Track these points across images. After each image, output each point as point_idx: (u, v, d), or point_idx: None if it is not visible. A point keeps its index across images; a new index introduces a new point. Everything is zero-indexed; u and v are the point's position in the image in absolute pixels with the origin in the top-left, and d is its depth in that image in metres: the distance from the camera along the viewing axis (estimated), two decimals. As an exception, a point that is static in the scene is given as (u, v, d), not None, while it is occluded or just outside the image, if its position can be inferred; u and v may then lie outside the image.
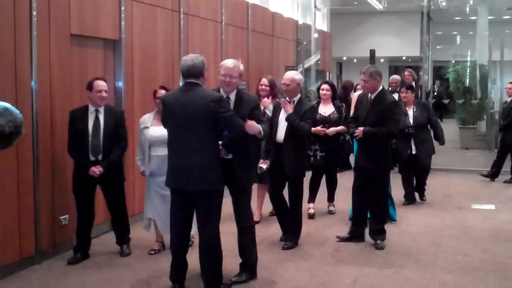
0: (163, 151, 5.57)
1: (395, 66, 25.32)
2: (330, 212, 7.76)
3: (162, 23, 7.78)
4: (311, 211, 7.42)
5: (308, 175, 7.18)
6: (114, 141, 5.74)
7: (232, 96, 5.02)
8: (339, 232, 6.59)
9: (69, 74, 6.00)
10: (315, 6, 14.33)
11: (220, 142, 4.84)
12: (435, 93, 21.86)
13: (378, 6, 18.45)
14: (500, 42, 14.62)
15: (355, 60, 23.42)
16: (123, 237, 6.01)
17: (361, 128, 6.10)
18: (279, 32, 12.33)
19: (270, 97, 6.99)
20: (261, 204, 7.24)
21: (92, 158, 5.65)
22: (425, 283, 5.22)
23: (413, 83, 10.15)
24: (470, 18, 20.75)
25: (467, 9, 19.94)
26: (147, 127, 5.81)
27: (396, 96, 10.06)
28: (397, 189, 8.25)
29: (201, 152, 4.62)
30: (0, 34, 5.22)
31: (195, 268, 4.99)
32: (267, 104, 6.87)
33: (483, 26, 18.62)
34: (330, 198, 7.85)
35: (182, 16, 8.25)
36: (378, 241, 6.24)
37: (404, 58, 23.66)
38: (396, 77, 10.75)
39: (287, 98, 6.13)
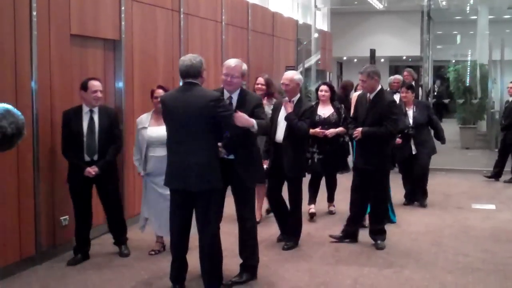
0: (161, 152, 5.56)
1: (396, 65, 25.29)
2: (331, 213, 7.76)
3: (162, 23, 7.78)
4: (312, 210, 7.41)
5: (308, 177, 7.17)
6: (109, 141, 5.71)
7: (235, 96, 5.00)
8: (339, 232, 6.58)
9: (69, 74, 6.00)
10: (315, 6, 14.31)
11: (219, 144, 4.83)
12: (435, 93, 21.84)
13: (379, 6, 18.43)
14: (501, 41, 14.61)
15: (355, 60, 23.43)
16: (120, 238, 5.99)
17: (359, 129, 6.09)
18: (279, 32, 12.33)
19: (266, 96, 6.98)
20: (261, 204, 7.23)
21: (87, 158, 5.62)
22: (425, 283, 5.22)
23: (413, 83, 10.13)
24: (470, 17, 20.74)
25: (468, 8, 19.93)
26: (145, 128, 5.79)
27: (397, 96, 10.07)
28: (397, 189, 8.26)
29: (200, 152, 4.62)
30: (0, 34, 5.22)
31: (196, 268, 4.98)
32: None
33: (484, 25, 18.61)
34: (330, 199, 7.85)
35: (182, 16, 8.24)
36: (379, 241, 6.23)
37: (404, 57, 23.65)
38: (398, 76, 10.72)
39: (286, 98, 6.14)
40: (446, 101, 21.50)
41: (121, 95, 6.94)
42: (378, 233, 6.29)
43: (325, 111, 7.21)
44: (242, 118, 4.69)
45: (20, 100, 5.37)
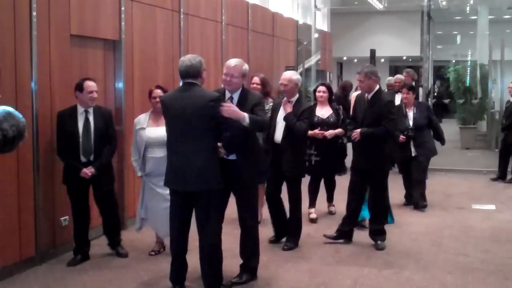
0: (160, 153, 5.56)
1: (396, 66, 25.30)
2: (331, 213, 7.75)
3: (162, 23, 7.78)
4: (313, 216, 7.38)
5: (307, 179, 7.16)
6: (104, 142, 5.70)
7: (236, 96, 4.99)
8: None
9: (69, 75, 5.99)
10: (315, 6, 14.30)
11: (219, 144, 4.82)
12: (435, 93, 21.85)
13: (379, 6, 18.44)
14: (501, 41, 14.61)
15: (355, 60, 23.42)
16: (115, 239, 5.95)
17: (357, 130, 6.08)
18: (279, 32, 12.33)
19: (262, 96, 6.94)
20: (261, 205, 7.22)
21: (83, 159, 5.59)
22: (425, 283, 5.22)
23: (413, 84, 10.11)
24: (470, 17, 20.74)
25: (468, 8, 19.93)
26: (143, 128, 5.76)
27: (399, 96, 10.05)
28: (398, 190, 8.25)
29: (200, 152, 4.62)
30: (0, 34, 5.22)
31: (196, 269, 4.98)
32: None
33: (484, 25, 18.61)
34: (330, 199, 7.84)
35: (182, 16, 8.24)
36: (379, 242, 6.23)
37: (404, 58, 23.65)
38: (399, 76, 10.72)
39: (285, 98, 6.13)
40: (446, 101, 21.52)
41: (121, 95, 6.93)
42: (378, 234, 6.29)
43: (323, 112, 7.16)
44: (230, 110, 4.62)
45: (20, 100, 5.37)
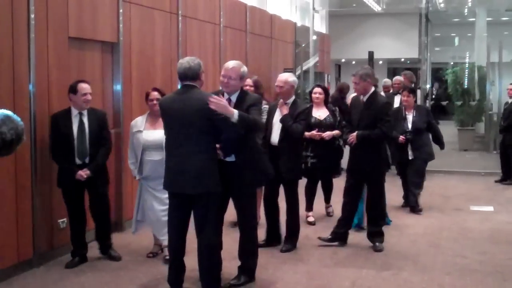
0: (157, 156, 5.56)
1: (394, 68, 25.33)
2: (328, 214, 7.73)
3: (160, 25, 7.79)
4: (311, 219, 7.37)
5: (304, 181, 7.15)
6: (99, 144, 5.67)
7: (234, 98, 4.97)
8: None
9: (67, 77, 5.98)
10: (314, 8, 14.32)
11: (217, 145, 4.82)
12: (434, 96, 21.88)
13: (377, 8, 18.44)
14: (499, 43, 14.66)
15: (353, 62, 23.42)
16: (107, 243, 5.89)
17: (354, 134, 6.08)
18: (277, 34, 12.34)
19: None
20: (259, 205, 7.21)
21: (78, 162, 5.57)
22: (423, 285, 5.22)
23: (412, 86, 10.12)
24: (468, 19, 20.77)
25: (466, 10, 19.96)
26: (140, 131, 5.75)
27: (398, 98, 10.06)
28: (396, 191, 8.26)
29: (198, 154, 4.61)
30: (-2, 37, 5.23)
31: (195, 271, 4.96)
32: None
33: (482, 27, 18.65)
34: (327, 200, 7.81)
35: (180, 18, 8.24)
36: (377, 243, 6.23)
37: (402, 60, 23.69)
38: (399, 78, 10.74)
39: (282, 100, 6.12)
40: (444, 103, 21.55)
41: (119, 98, 6.93)
42: (376, 235, 6.29)
43: (320, 113, 7.14)
44: (219, 104, 4.54)
45: (18, 103, 5.37)
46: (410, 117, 7.96)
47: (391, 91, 10.86)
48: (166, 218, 5.53)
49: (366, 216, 6.55)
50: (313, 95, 7.25)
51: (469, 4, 18.86)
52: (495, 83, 15.73)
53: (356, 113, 6.23)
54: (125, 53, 6.99)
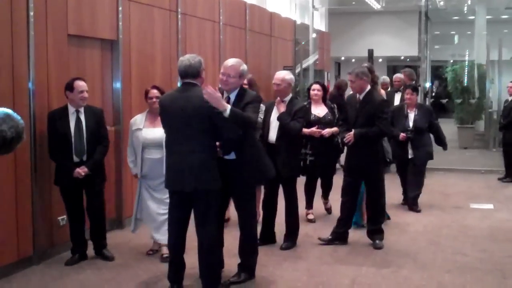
0: (156, 154, 5.56)
1: (394, 66, 25.32)
2: (328, 211, 7.69)
3: (159, 23, 7.78)
4: (311, 216, 7.36)
5: (303, 179, 7.15)
6: (97, 141, 5.66)
7: (233, 96, 4.95)
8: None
9: (67, 75, 5.97)
10: (313, 6, 14.31)
11: (217, 143, 4.81)
12: (433, 93, 21.89)
13: (376, 6, 18.46)
14: (498, 41, 14.66)
15: (353, 60, 23.42)
16: (101, 242, 5.86)
17: (351, 133, 6.07)
18: (277, 32, 12.33)
19: None
20: (259, 201, 7.20)
21: (76, 159, 5.55)
22: (423, 282, 5.22)
23: (413, 83, 10.11)
24: (468, 17, 20.79)
25: (465, 8, 19.98)
26: (140, 129, 5.73)
27: (398, 95, 10.05)
28: (395, 189, 8.26)
29: (198, 152, 4.60)
30: (-3, 34, 5.23)
31: (195, 268, 4.96)
32: None
33: (481, 25, 18.66)
34: (325, 196, 7.74)
35: (179, 16, 8.24)
36: (377, 241, 6.23)
37: (402, 57, 23.67)
38: (399, 75, 10.73)
39: (279, 98, 6.11)
40: (444, 101, 21.56)
41: (119, 95, 6.93)
42: (375, 233, 6.29)
43: (319, 110, 7.10)
44: (212, 95, 4.48)
45: (17, 100, 5.36)
46: (411, 115, 7.91)
47: (389, 88, 10.85)
48: (162, 218, 5.58)
49: (366, 214, 6.56)
50: (312, 92, 7.21)
51: (469, 2, 18.88)
52: (494, 81, 15.74)
53: (352, 111, 6.21)
54: (124, 51, 6.98)
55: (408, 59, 23.15)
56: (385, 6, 18.97)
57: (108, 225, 6.73)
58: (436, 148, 8.38)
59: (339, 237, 6.34)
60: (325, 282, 5.23)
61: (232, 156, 4.91)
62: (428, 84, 15.84)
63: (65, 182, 5.60)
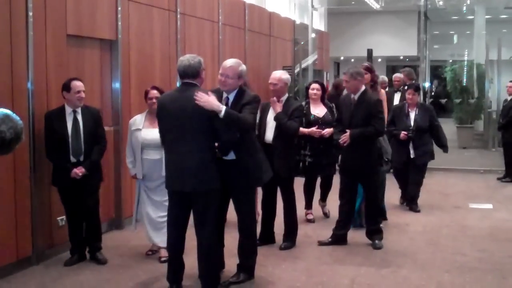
0: (155, 155, 5.55)
1: (393, 65, 25.34)
2: (325, 215, 7.55)
3: (158, 23, 7.77)
4: (310, 216, 7.33)
5: (302, 180, 7.14)
6: (94, 142, 5.65)
7: (232, 97, 4.94)
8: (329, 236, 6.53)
9: (66, 75, 5.96)
10: (312, 6, 14.32)
11: (216, 144, 4.80)
12: (432, 93, 21.90)
13: (375, 6, 18.47)
14: (497, 41, 14.67)
15: (352, 60, 23.41)
16: (96, 244, 5.81)
17: (347, 134, 6.05)
18: (276, 32, 12.33)
19: None
20: (257, 203, 7.20)
21: (73, 160, 5.53)
22: (422, 282, 5.22)
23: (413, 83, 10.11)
24: (467, 17, 20.80)
25: (464, 8, 19.98)
26: (139, 129, 5.72)
27: (398, 95, 10.05)
28: (395, 189, 8.25)
29: (197, 153, 4.60)
30: (-4, 34, 5.22)
31: (194, 269, 4.96)
32: None
33: (480, 25, 18.68)
34: (323, 198, 7.62)
35: (178, 16, 8.23)
36: (376, 241, 6.22)
37: (401, 57, 23.69)
38: (399, 75, 10.73)
39: (275, 98, 6.09)
40: (443, 101, 21.58)
41: (118, 95, 6.92)
42: (374, 233, 6.28)
43: (318, 110, 7.03)
44: (204, 100, 4.49)
45: (16, 101, 5.36)
46: (412, 115, 7.86)
47: (387, 88, 10.86)
48: (161, 221, 5.58)
49: (365, 214, 6.55)
50: (311, 91, 7.12)
51: (468, 2, 18.89)
52: (494, 80, 15.75)
53: (347, 112, 6.18)
54: (123, 51, 6.98)
55: (407, 59, 23.17)
56: (384, 6, 18.97)
57: (107, 226, 6.76)
58: (436, 148, 8.37)
59: (338, 239, 6.32)
60: (324, 282, 5.23)
61: (231, 156, 4.91)
62: (427, 84, 15.85)
63: (62, 182, 5.58)
